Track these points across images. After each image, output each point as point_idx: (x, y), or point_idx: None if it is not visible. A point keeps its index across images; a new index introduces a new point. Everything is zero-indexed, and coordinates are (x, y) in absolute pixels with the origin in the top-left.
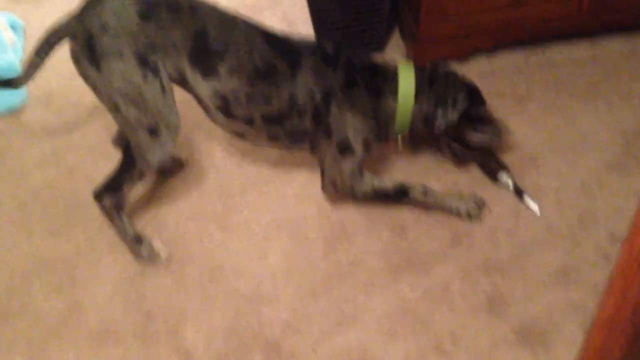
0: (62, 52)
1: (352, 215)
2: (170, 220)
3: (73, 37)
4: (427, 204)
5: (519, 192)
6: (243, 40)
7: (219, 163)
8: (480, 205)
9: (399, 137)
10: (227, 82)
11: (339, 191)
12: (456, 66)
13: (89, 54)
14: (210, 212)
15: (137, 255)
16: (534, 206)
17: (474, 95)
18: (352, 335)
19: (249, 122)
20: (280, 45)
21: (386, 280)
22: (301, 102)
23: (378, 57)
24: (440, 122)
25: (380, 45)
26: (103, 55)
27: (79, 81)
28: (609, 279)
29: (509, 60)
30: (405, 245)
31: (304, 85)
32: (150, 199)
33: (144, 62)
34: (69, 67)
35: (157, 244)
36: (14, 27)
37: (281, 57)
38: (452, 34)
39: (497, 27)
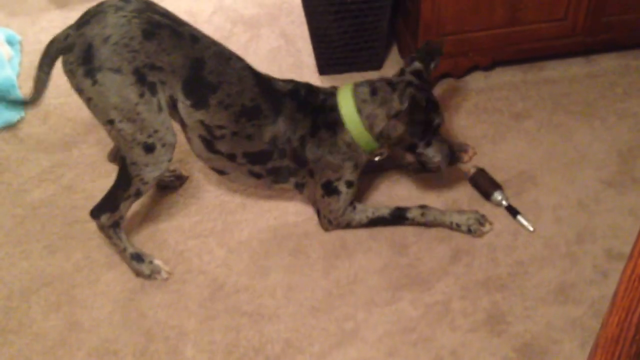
0: (59, 69)
1: (352, 232)
2: (170, 238)
3: (69, 48)
4: (427, 223)
5: (512, 211)
6: (235, 77)
7: (218, 180)
8: (481, 220)
9: (377, 158)
10: (215, 115)
11: (335, 226)
12: (453, 83)
13: (85, 66)
14: (211, 229)
15: (138, 272)
16: (527, 224)
17: (432, 104)
18: (353, 352)
19: (231, 158)
20: (267, 88)
21: (387, 298)
22: (281, 145)
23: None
24: (394, 127)
25: (379, 63)
26: (101, 68)
27: (76, 97)
28: (612, 298)
29: (505, 78)
30: (406, 262)
31: (283, 130)
32: (150, 216)
33: (142, 80)
34: (66, 83)
35: (158, 261)
36: (11, 42)
37: (267, 100)
38: (450, 52)
39: (493, 45)
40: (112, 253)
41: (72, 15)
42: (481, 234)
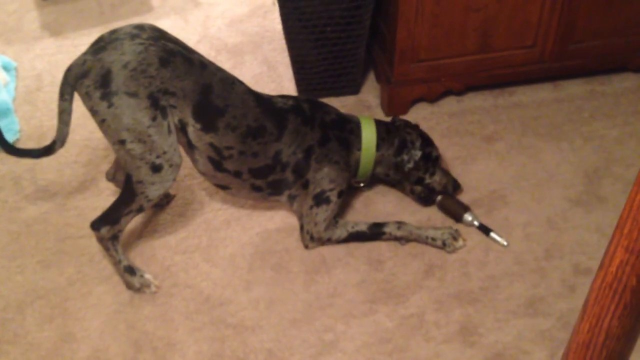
0: (54, 91)
1: (331, 248)
2: (158, 254)
3: (86, 73)
4: (404, 237)
5: (484, 230)
6: (239, 101)
7: (204, 199)
8: (455, 235)
9: (361, 184)
10: (224, 137)
11: (316, 242)
12: (427, 107)
13: (103, 89)
14: (196, 245)
15: (129, 285)
16: (501, 240)
17: (428, 141)
18: None
19: (237, 175)
20: (269, 108)
21: (364, 310)
22: (285, 159)
23: (343, 110)
24: (408, 161)
25: (356, 88)
26: (117, 92)
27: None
28: (583, 306)
29: (477, 102)
30: (382, 277)
31: (288, 144)
32: (139, 233)
33: (155, 104)
34: None
35: (148, 276)
36: (7, 68)
37: (270, 119)
38: (424, 78)
39: (466, 71)
40: (103, 268)
41: (65, 43)
42: (454, 249)
